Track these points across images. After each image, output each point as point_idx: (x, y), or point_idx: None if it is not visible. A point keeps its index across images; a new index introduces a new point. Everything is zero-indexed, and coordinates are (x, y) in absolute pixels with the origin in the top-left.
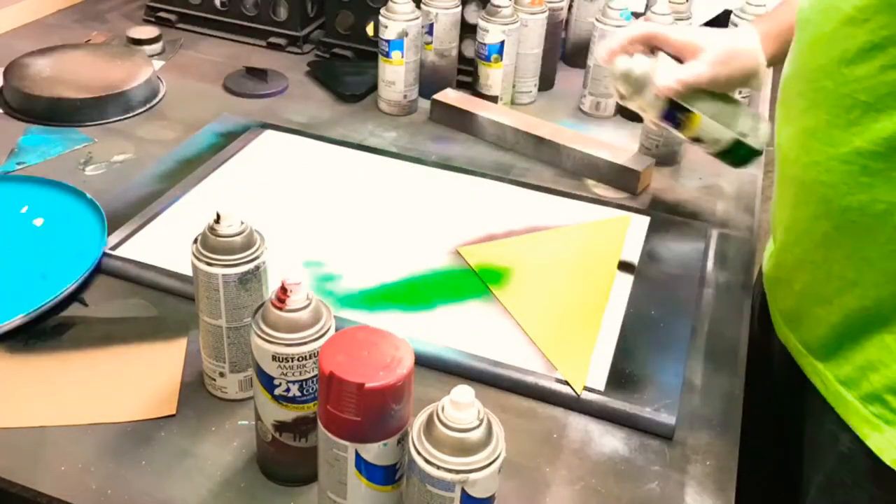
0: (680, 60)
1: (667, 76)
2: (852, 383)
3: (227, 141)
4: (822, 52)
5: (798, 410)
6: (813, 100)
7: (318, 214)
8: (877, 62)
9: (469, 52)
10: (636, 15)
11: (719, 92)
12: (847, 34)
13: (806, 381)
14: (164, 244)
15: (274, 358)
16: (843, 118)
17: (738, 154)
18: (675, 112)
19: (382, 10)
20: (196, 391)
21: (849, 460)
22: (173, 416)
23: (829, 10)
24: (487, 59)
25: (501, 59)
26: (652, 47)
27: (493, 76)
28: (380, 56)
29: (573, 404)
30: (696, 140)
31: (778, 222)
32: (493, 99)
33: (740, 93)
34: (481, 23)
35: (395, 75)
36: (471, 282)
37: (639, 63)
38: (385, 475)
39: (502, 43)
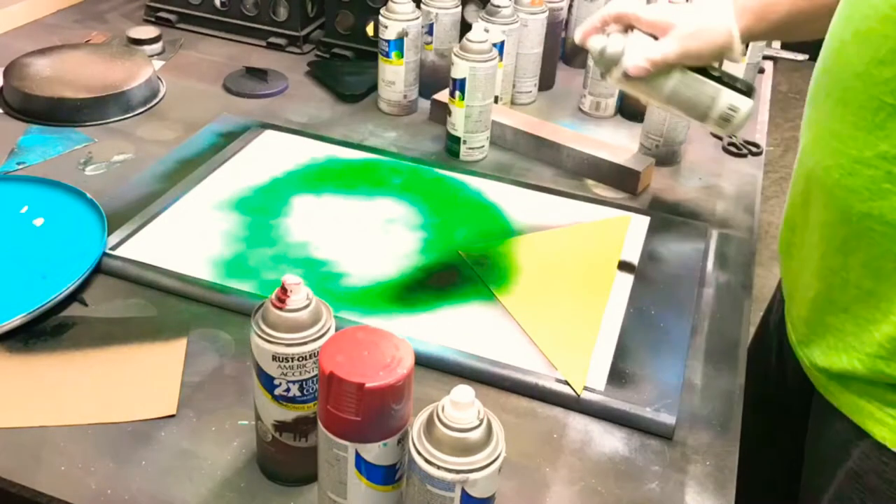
0: (654, 38)
1: (635, 56)
2: (863, 389)
3: (227, 141)
4: (855, 51)
5: (809, 424)
6: (840, 99)
7: (319, 214)
8: None
9: None
10: None
11: (693, 65)
12: (882, 33)
13: (818, 393)
14: (164, 244)
15: (274, 358)
16: (868, 120)
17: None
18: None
19: (382, 10)
20: (196, 391)
21: (858, 477)
22: (173, 416)
23: (865, 9)
24: None
25: (501, 59)
26: (626, 26)
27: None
28: (380, 56)
29: (573, 404)
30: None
31: (795, 226)
32: (494, 99)
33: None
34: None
35: (395, 75)
36: (471, 282)
37: (613, 42)
38: (385, 475)
39: (502, 43)
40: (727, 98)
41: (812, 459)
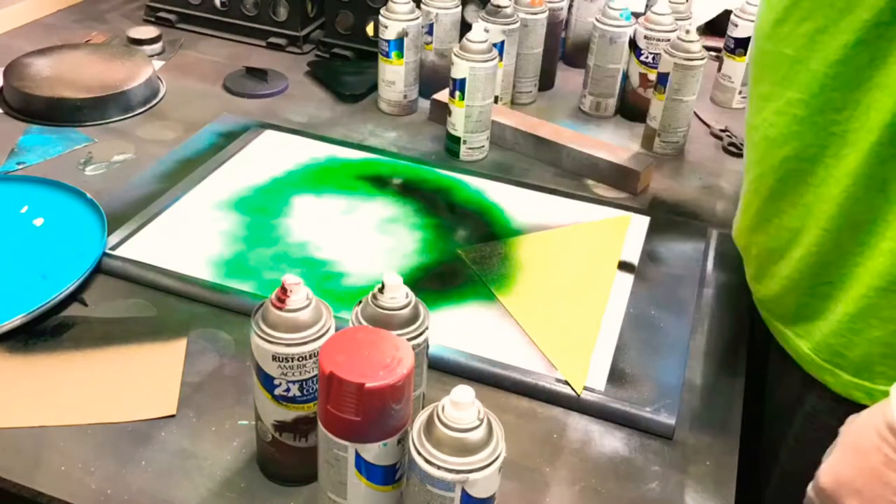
0: None
1: None
2: (807, 334)
3: (227, 141)
4: (763, 15)
5: (768, 377)
6: (759, 61)
7: (319, 214)
8: (796, 16)
9: None
10: (636, 15)
11: None
12: None
13: (774, 346)
14: (164, 244)
15: (274, 358)
16: (777, 73)
17: None
18: None
19: (382, 11)
20: (196, 391)
21: (813, 418)
22: (173, 416)
23: None
24: None
25: (501, 59)
26: None
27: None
28: (380, 56)
29: (573, 404)
30: None
31: (742, 194)
32: (494, 99)
33: None
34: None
35: (395, 75)
36: (471, 282)
37: None
38: (385, 475)
39: (502, 43)
40: None
41: (770, 409)
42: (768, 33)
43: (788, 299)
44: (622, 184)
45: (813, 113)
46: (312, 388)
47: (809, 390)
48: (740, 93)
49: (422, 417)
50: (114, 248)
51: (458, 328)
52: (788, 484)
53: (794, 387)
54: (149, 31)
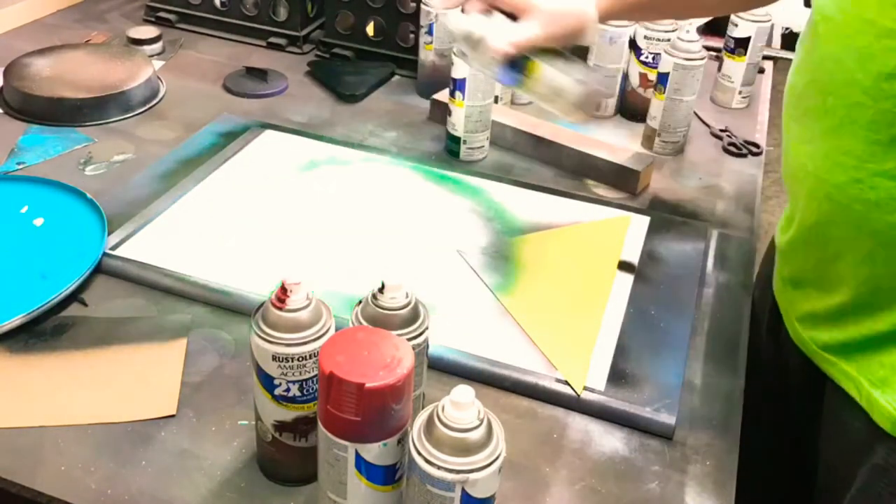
0: (514, 17)
1: (500, 39)
2: (886, 386)
3: (227, 141)
4: (857, 67)
5: (818, 418)
6: (846, 117)
7: (319, 214)
8: None
9: None
10: None
11: (552, 47)
12: (886, 48)
13: (827, 387)
14: (164, 244)
15: (274, 358)
16: (884, 134)
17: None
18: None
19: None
20: (196, 391)
21: (884, 472)
22: (173, 416)
23: (860, 24)
24: None
25: None
26: (488, 4)
27: None
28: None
29: (573, 404)
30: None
31: (799, 240)
32: (494, 99)
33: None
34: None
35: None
36: (471, 282)
37: (475, 23)
38: (385, 475)
39: None
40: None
41: (830, 456)
42: (866, 86)
43: (870, 345)
44: (622, 184)
45: None
46: (312, 388)
47: (881, 439)
48: (740, 93)
49: (422, 417)
50: (114, 248)
51: (457, 328)
52: None
53: (861, 433)
54: (149, 31)
